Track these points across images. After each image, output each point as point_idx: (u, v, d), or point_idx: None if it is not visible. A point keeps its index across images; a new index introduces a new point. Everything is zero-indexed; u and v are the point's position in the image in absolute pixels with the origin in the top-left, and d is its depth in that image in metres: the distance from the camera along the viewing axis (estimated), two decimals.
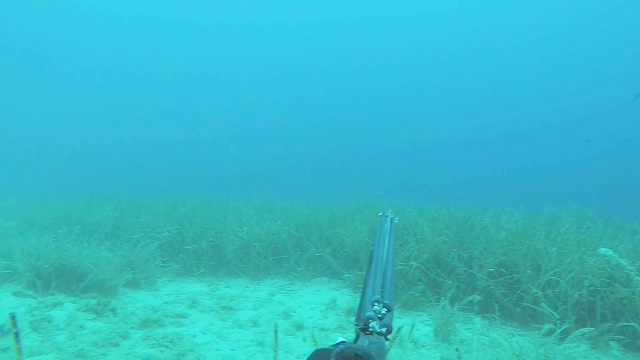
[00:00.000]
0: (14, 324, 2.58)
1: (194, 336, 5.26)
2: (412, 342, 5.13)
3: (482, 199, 14.30)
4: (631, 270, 1.77)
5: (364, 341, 1.58)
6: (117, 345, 4.83)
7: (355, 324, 1.70)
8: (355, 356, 1.26)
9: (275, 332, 2.20)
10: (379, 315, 1.71)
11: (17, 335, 2.59)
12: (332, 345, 1.50)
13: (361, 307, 1.83)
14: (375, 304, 1.77)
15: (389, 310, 1.77)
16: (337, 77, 53.34)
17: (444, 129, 42.85)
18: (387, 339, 1.64)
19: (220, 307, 6.26)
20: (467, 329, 5.55)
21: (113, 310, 5.76)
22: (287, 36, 57.82)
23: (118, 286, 6.63)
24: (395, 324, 5.61)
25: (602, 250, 1.79)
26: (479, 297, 5.68)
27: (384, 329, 1.62)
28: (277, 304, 6.43)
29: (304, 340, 5.19)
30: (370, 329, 1.61)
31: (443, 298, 5.41)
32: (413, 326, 5.28)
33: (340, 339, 1.63)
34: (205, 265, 8.06)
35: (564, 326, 4.50)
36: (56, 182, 20.58)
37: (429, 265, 6.53)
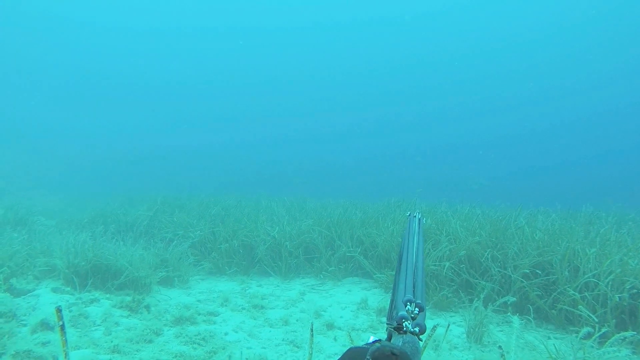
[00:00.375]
0: (60, 317, 2.65)
1: (226, 334, 5.32)
2: (446, 342, 5.05)
3: (517, 199, 14.01)
4: None
5: (398, 340, 1.56)
6: (151, 341, 4.92)
7: (388, 323, 1.68)
8: (392, 354, 1.25)
9: (312, 330, 2.19)
10: (412, 315, 1.70)
11: (62, 327, 2.66)
12: (366, 344, 1.49)
13: (393, 306, 1.81)
14: (408, 303, 1.75)
15: (422, 310, 1.75)
16: (363, 78, 53.28)
17: (476, 127, 42.24)
18: (420, 339, 1.61)
19: (252, 305, 6.31)
20: (501, 330, 5.44)
21: (147, 307, 5.88)
22: (310, 37, 57.95)
23: (152, 284, 6.76)
24: (428, 324, 5.55)
25: None
26: (514, 299, 5.56)
27: (417, 329, 1.60)
28: (310, 303, 6.44)
29: (335, 339, 5.18)
30: (404, 328, 1.59)
31: (476, 299, 5.31)
32: (449, 326, 5.20)
33: (372, 338, 1.61)
34: (237, 264, 8.15)
35: (603, 330, 4.34)
36: (96, 184, 21.22)
37: (462, 265, 6.43)
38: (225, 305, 6.34)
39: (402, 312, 1.68)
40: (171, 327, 5.39)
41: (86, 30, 54.20)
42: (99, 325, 5.24)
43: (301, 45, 57.62)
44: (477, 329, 5.08)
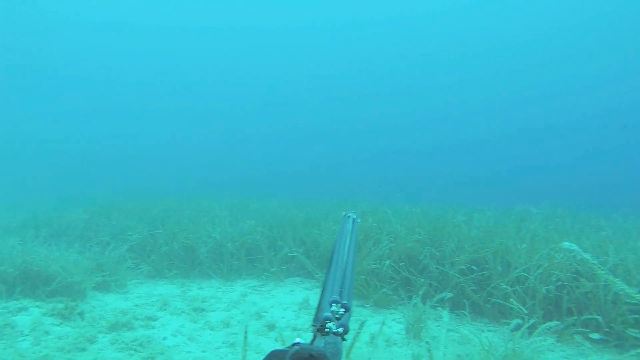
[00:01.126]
0: None
1: (165, 339, 5.19)
2: (384, 340, 5.15)
3: (456, 199, 14.52)
4: (594, 263, 1.83)
5: (321, 342, 1.57)
6: (84, 349, 4.73)
7: (313, 325, 1.69)
8: (310, 357, 1.25)
9: (246, 333, 2.16)
10: (337, 316, 1.70)
11: None
12: (288, 347, 1.49)
13: (320, 307, 1.81)
14: (334, 304, 1.76)
15: (347, 310, 1.76)
16: (317, 80, 53.47)
17: (421, 132, 43.37)
18: (344, 339, 1.63)
19: (192, 308, 6.18)
20: (439, 326, 5.60)
21: (81, 314, 5.64)
22: (277, 38, 57.46)
23: (87, 289, 6.49)
24: (369, 322, 5.63)
25: (566, 244, 1.84)
26: (451, 295, 5.73)
27: (340, 329, 1.61)
28: (250, 305, 6.39)
29: (276, 340, 5.17)
30: (327, 330, 1.60)
31: (415, 296, 5.44)
32: (384, 323, 5.31)
33: (298, 340, 1.62)
34: (177, 267, 7.96)
35: (532, 321, 4.57)
36: (29, 185, 20.19)
37: (402, 263, 6.57)
38: (165, 309, 6.19)
39: (327, 313, 1.68)
40: (107, 333, 5.20)
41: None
42: (27, 335, 4.98)
43: (273, 44, 56.93)
44: (415, 325, 5.21)
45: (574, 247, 1.89)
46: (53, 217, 10.03)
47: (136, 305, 6.33)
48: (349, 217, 2.58)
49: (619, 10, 45.45)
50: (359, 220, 2.73)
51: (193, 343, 5.12)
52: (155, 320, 5.75)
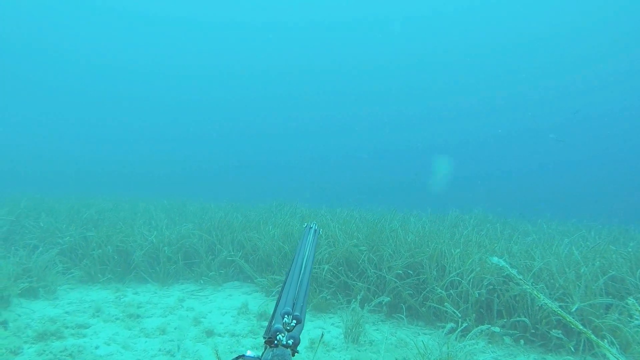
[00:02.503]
0: None
1: (97, 347, 4.97)
2: (323, 344, 5.19)
3: (392, 204, 14.85)
4: (520, 279, 1.94)
5: (269, 354, 1.56)
6: None
7: (263, 337, 1.68)
8: None
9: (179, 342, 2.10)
10: (288, 328, 1.70)
11: None
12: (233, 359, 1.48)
13: (272, 318, 1.81)
14: (286, 315, 1.75)
15: (299, 322, 1.76)
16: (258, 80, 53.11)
17: (361, 138, 44.07)
18: (295, 352, 1.62)
19: (127, 315, 5.97)
20: (377, 329, 5.71)
21: (4, 323, 5.31)
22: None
23: (11, 296, 6.10)
24: (308, 326, 5.65)
25: (495, 259, 1.93)
26: (388, 299, 5.86)
27: (290, 341, 1.61)
28: (187, 311, 6.24)
29: (215, 347, 5.08)
30: (276, 342, 1.59)
31: (354, 300, 5.52)
32: (323, 334, 5.36)
33: (249, 352, 1.61)
34: (111, 271, 7.65)
35: (465, 324, 4.76)
36: None
37: (340, 268, 6.65)
38: (97, 316, 5.93)
39: (278, 325, 1.68)
40: (33, 343, 4.91)
41: None
42: None
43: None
44: (354, 329, 5.28)
45: (502, 263, 1.98)
46: None
47: (66, 312, 6.02)
48: (311, 228, 2.57)
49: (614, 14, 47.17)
50: (320, 231, 2.74)
51: (127, 351, 4.94)
52: (87, 328, 5.50)
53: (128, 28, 54.13)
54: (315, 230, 2.55)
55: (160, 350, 5.00)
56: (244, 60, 54.22)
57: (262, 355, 1.58)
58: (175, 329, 5.57)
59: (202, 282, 7.57)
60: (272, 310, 1.86)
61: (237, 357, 1.54)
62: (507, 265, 2.04)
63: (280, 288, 2.03)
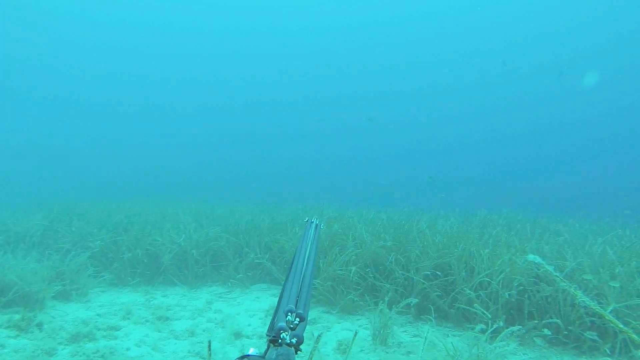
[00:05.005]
0: None
1: (128, 349, 5.06)
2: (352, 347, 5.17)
3: (420, 204, 14.74)
4: (557, 276, 1.88)
5: (272, 353, 1.54)
6: None
7: (267, 335, 1.65)
8: None
9: (209, 345, 2.10)
10: (291, 326, 1.66)
11: None
12: (236, 359, 1.47)
13: (275, 317, 1.78)
14: (289, 313, 1.72)
15: (302, 320, 1.72)
16: (287, 83, 53.37)
17: (387, 139, 43.85)
18: (299, 350, 1.59)
19: (156, 317, 6.06)
20: (405, 331, 5.66)
21: (39, 325, 5.44)
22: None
23: (46, 299, 6.27)
24: (335, 328, 5.64)
25: (531, 257, 1.88)
26: (416, 300, 5.81)
27: (294, 340, 1.58)
28: (216, 313, 6.30)
29: (243, 348, 5.11)
30: (280, 340, 1.57)
31: (381, 302, 5.48)
32: (357, 332, 5.32)
33: (252, 350, 1.60)
34: (141, 275, 7.78)
35: (495, 325, 4.67)
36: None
37: (368, 269, 6.62)
38: (128, 318, 6.04)
39: (282, 323, 1.64)
40: (67, 345, 5.03)
41: None
42: None
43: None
44: (382, 331, 5.25)
45: (538, 259, 1.93)
46: (8, 223, 9.64)
47: (98, 315, 6.15)
48: (312, 222, 2.55)
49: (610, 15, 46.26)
50: (322, 226, 2.71)
51: (157, 353, 5.01)
52: (118, 330, 5.60)
53: (134, 35, 55.07)
54: (316, 225, 2.52)
55: (189, 352, 5.05)
56: (262, 62, 54.70)
57: (265, 354, 1.56)
58: (204, 331, 5.63)
59: (229, 284, 7.63)
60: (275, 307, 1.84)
61: (241, 357, 1.53)
62: (543, 262, 1.98)
63: (283, 284, 2.01)
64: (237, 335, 5.49)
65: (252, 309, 6.56)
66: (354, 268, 6.52)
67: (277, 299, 5.75)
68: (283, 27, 55.77)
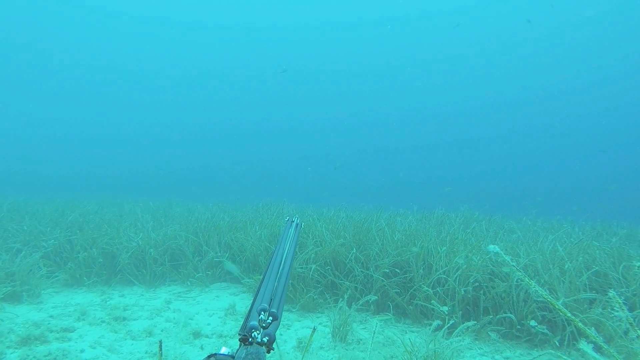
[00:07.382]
0: None
1: (82, 351, 4.92)
2: (310, 343, 5.19)
3: (379, 203, 14.91)
4: (513, 266, 1.98)
5: (242, 352, 1.53)
6: None
7: (239, 333, 1.64)
8: None
9: (160, 345, 2.04)
10: (263, 325, 1.66)
11: None
12: (204, 359, 1.46)
13: (248, 315, 1.77)
14: (262, 312, 1.72)
15: (275, 319, 1.72)
16: (243, 81, 52.86)
17: (345, 139, 44.13)
18: (270, 349, 1.59)
19: (113, 317, 5.91)
20: (364, 328, 5.72)
21: None
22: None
23: None
24: (295, 326, 5.65)
25: (491, 247, 1.97)
26: (375, 297, 5.88)
27: (265, 339, 1.58)
28: (173, 313, 6.20)
29: (202, 348, 5.06)
30: (250, 339, 1.56)
31: (341, 299, 5.52)
32: (315, 329, 5.34)
33: (224, 349, 1.59)
34: (97, 274, 7.58)
35: (452, 321, 4.79)
36: None
37: (328, 267, 6.65)
38: (83, 320, 5.87)
39: (254, 322, 1.64)
40: (16, 348, 4.85)
41: None
42: None
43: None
44: (341, 328, 5.28)
45: (497, 249, 2.00)
46: None
47: (51, 316, 5.95)
48: (292, 221, 2.54)
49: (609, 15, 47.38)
50: (302, 225, 2.70)
51: (113, 354, 4.90)
52: (72, 332, 5.43)
53: (127, 29, 53.67)
54: (297, 224, 2.51)
55: (146, 352, 4.96)
56: (232, 59, 54.02)
57: (235, 353, 1.55)
58: (162, 331, 5.54)
59: (189, 283, 7.53)
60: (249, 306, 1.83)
61: (209, 356, 1.53)
62: (501, 252, 2.06)
63: (251, 282, 2.00)
64: (196, 334, 5.42)
65: (211, 308, 6.49)
66: (313, 266, 6.54)
67: (236, 297, 5.73)
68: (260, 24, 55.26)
